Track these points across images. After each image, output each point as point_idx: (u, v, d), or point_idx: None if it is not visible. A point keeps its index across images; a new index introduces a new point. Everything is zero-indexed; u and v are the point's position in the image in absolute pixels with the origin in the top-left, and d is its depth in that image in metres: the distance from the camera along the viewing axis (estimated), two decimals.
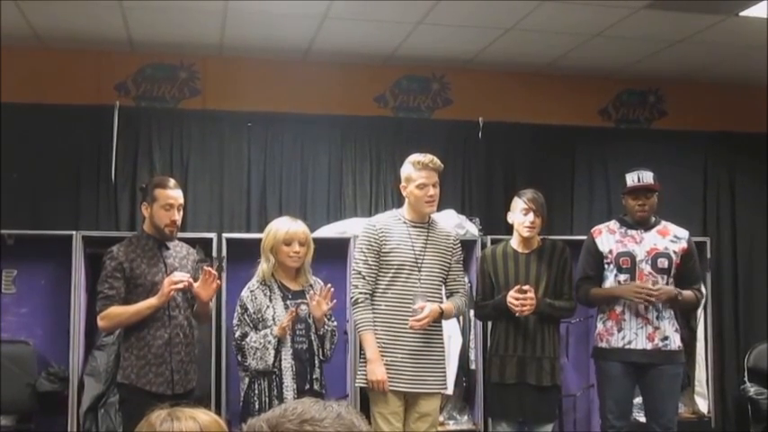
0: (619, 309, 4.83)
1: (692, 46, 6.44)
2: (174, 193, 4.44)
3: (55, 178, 6.35)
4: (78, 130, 6.42)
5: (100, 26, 6.03)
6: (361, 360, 4.53)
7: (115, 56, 6.56)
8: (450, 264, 4.62)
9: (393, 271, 4.48)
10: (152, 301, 4.27)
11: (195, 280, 4.52)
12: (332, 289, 4.46)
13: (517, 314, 4.60)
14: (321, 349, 4.46)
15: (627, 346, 4.79)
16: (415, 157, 4.56)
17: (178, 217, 4.44)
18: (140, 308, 4.27)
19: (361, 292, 4.47)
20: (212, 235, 6.00)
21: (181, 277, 4.29)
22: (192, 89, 6.74)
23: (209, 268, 4.43)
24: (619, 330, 4.82)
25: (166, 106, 6.68)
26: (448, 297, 4.64)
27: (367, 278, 4.48)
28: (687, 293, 4.88)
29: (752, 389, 6.72)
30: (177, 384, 4.35)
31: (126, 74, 6.62)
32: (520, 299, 4.59)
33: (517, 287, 4.63)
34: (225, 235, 6.03)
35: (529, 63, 6.97)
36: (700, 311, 6.32)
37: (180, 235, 4.63)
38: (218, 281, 4.50)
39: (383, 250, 4.49)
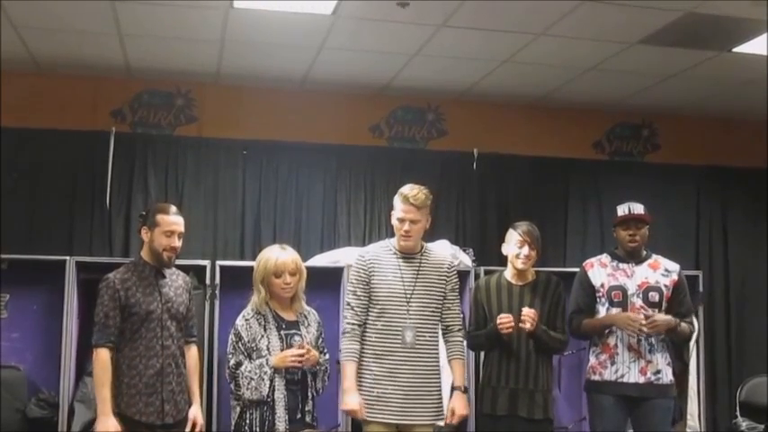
0: (612, 342, 4.82)
1: (686, 81, 6.50)
2: (176, 220, 4.43)
3: (49, 203, 6.35)
4: (74, 156, 6.44)
5: (97, 52, 6.07)
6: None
7: (112, 82, 6.60)
8: (444, 292, 4.60)
9: (381, 303, 4.47)
10: (102, 418, 4.19)
11: (189, 310, 4.56)
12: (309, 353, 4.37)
13: (511, 331, 4.59)
14: (313, 383, 4.44)
15: (620, 380, 4.79)
16: (404, 188, 4.55)
17: (178, 244, 4.44)
18: (101, 399, 4.21)
19: (348, 323, 4.48)
20: (206, 262, 5.99)
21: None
22: (188, 116, 6.77)
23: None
24: (612, 364, 4.81)
25: (162, 133, 6.70)
26: (444, 332, 4.61)
27: (356, 309, 4.47)
28: (682, 324, 4.89)
29: (744, 423, 6.71)
30: (167, 414, 4.32)
31: (122, 100, 6.65)
32: (510, 319, 4.60)
33: (509, 315, 4.63)
34: (219, 262, 6.02)
35: (524, 95, 7.02)
36: (692, 345, 6.33)
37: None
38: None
39: (372, 282, 4.49)
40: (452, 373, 4.61)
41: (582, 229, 7.26)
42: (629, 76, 6.46)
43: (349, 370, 4.42)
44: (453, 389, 4.56)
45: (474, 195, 7.09)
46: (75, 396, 5.66)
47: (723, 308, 7.36)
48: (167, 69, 6.45)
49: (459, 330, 4.63)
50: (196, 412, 4.49)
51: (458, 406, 4.50)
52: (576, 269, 5.28)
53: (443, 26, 5.48)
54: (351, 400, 4.38)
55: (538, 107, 7.25)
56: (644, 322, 4.69)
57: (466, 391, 4.60)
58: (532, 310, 4.64)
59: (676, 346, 5.28)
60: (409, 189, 4.52)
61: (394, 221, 4.55)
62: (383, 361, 4.42)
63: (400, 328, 4.43)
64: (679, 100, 7.07)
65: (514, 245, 4.80)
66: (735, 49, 5.80)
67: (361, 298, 4.48)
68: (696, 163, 7.49)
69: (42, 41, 5.87)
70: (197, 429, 4.45)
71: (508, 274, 4.89)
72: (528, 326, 4.60)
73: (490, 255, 6.45)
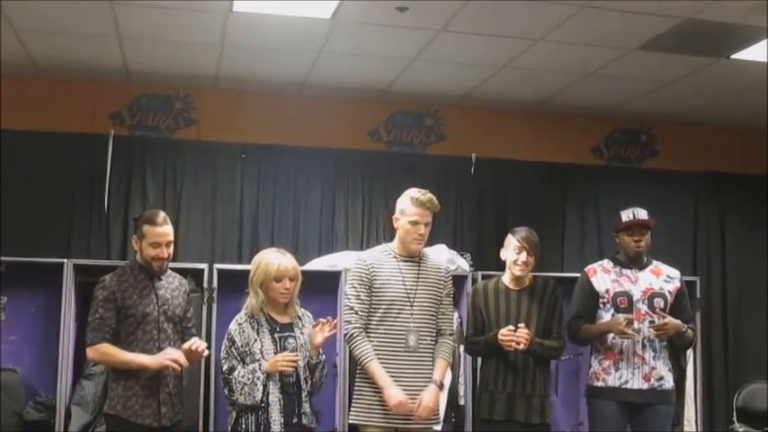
0: (616, 348, 4.81)
1: (684, 87, 6.51)
2: (163, 230, 4.39)
3: (48, 206, 6.35)
4: (72, 158, 6.44)
5: (97, 55, 6.07)
6: (356, 396, 4.48)
7: (111, 85, 6.60)
8: (442, 297, 4.61)
9: (384, 306, 4.44)
10: (146, 361, 4.23)
11: (187, 311, 4.54)
12: (335, 321, 4.45)
13: (512, 347, 4.58)
14: (310, 380, 4.42)
15: (623, 386, 4.77)
16: (414, 192, 4.51)
17: (167, 253, 4.40)
18: (132, 360, 4.23)
19: (355, 327, 4.43)
20: (204, 266, 5.99)
21: (182, 360, 4.27)
22: (186, 119, 6.77)
23: (196, 346, 4.37)
24: (616, 370, 4.80)
25: (161, 136, 6.70)
26: (435, 335, 4.61)
27: (360, 313, 4.44)
28: (688, 330, 4.89)
29: (741, 429, 6.71)
30: (164, 417, 4.31)
31: (121, 103, 6.65)
32: (512, 335, 4.58)
33: (510, 327, 4.62)
34: (216, 266, 6.02)
35: (522, 100, 7.03)
36: (689, 350, 6.32)
37: (171, 265, 4.59)
38: (204, 354, 4.46)
39: (374, 286, 4.46)
40: (435, 368, 4.52)
41: (580, 234, 7.26)
42: (628, 81, 6.47)
43: (376, 367, 4.34)
44: (431, 381, 4.48)
45: (472, 200, 7.10)
46: (72, 399, 5.64)
47: (720, 313, 7.37)
48: (166, 72, 6.45)
49: (450, 335, 4.62)
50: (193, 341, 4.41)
51: (426, 397, 4.37)
52: (574, 274, 5.28)
53: (442, 31, 5.49)
54: (395, 392, 4.28)
55: (536, 112, 7.26)
56: (635, 326, 4.69)
57: (442, 387, 4.56)
58: (525, 331, 4.60)
59: (674, 351, 5.27)
60: (421, 193, 4.48)
61: (403, 225, 4.49)
62: (385, 365, 4.39)
63: (404, 332, 4.42)
64: (678, 106, 7.08)
65: (513, 250, 4.79)
66: (733, 56, 5.81)
67: (365, 301, 4.45)
68: (694, 169, 7.51)
69: (41, 44, 5.87)
70: (195, 347, 4.34)
71: (506, 278, 4.89)
72: (521, 347, 4.60)
73: (488, 259, 6.45)
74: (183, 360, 4.28)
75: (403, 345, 4.40)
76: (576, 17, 5.19)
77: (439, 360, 4.55)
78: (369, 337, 4.42)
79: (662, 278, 4.94)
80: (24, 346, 5.95)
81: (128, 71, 6.41)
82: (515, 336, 4.58)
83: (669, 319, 4.74)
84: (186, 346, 4.33)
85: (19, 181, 6.30)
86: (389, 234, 4.69)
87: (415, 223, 4.45)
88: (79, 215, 6.42)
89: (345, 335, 4.49)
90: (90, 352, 4.32)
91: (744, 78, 6.23)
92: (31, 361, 5.93)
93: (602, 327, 4.86)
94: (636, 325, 4.71)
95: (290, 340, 4.38)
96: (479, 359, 5.15)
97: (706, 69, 6.10)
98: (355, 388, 4.51)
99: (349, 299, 4.50)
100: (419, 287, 4.50)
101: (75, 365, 5.74)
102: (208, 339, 5.66)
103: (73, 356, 5.69)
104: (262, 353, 4.30)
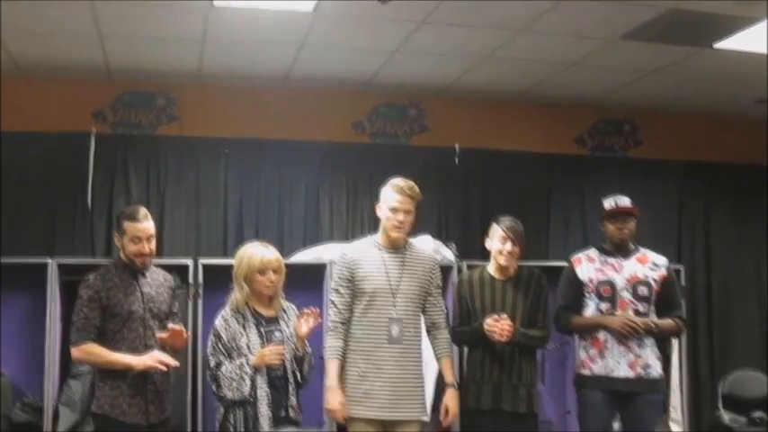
0: (602, 337, 4.81)
1: (667, 76, 6.52)
2: (143, 226, 4.36)
3: (31, 205, 6.31)
4: (55, 157, 6.40)
5: (78, 55, 6.04)
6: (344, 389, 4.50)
7: (93, 83, 6.56)
8: (429, 288, 4.61)
9: (367, 298, 4.46)
10: (131, 362, 4.21)
11: (172, 307, 4.52)
12: (319, 310, 4.46)
13: (495, 340, 4.60)
14: (300, 372, 4.43)
15: (610, 374, 4.78)
16: (395, 180, 4.54)
17: (148, 248, 4.38)
18: (118, 360, 4.21)
19: (332, 321, 4.47)
20: (189, 261, 5.98)
21: (168, 361, 4.26)
22: (169, 115, 6.74)
23: (177, 327, 4.35)
24: (601, 358, 4.80)
25: (143, 133, 6.67)
26: (430, 329, 4.62)
27: (339, 306, 4.47)
28: (665, 322, 4.88)
29: (727, 416, 6.76)
30: (152, 415, 4.29)
31: (104, 101, 6.62)
32: (497, 325, 4.59)
33: (494, 316, 4.63)
34: (201, 261, 6.01)
35: (505, 91, 7.03)
36: (674, 338, 6.34)
37: (156, 261, 4.58)
38: (186, 334, 4.45)
39: (356, 278, 4.47)
40: (443, 370, 4.62)
41: (564, 223, 7.28)
42: (611, 71, 6.48)
43: (332, 368, 4.41)
44: (446, 386, 4.57)
45: (456, 190, 7.10)
46: (59, 399, 5.63)
47: (705, 301, 7.40)
48: (148, 69, 6.42)
49: (445, 327, 4.64)
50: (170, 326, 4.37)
51: (452, 404, 4.53)
52: (559, 263, 5.29)
53: (424, 23, 5.48)
54: (334, 398, 4.35)
55: (519, 102, 7.26)
56: (640, 325, 4.69)
57: (457, 388, 4.62)
58: (508, 322, 4.62)
59: (660, 339, 5.29)
60: (403, 181, 4.52)
61: (384, 212, 4.51)
62: (369, 356, 4.41)
63: (386, 323, 4.43)
64: (661, 95, 7.09)
65: (498, 240, 4.79)
66: (716, 45, 5.82)
67: (345, 295, 4.48)
68: (678, 158, 7.53)
69: (22, 44, 5.83)
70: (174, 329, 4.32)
71: (491, 268, 4.89)
72: (504, 339, 4.61)
73: (473, 249, 6.44)
74: (170, 361, 4.26)
75: (386, 335, 4.42)
76: (558, 7, 5.19)
77: (444, 360, 4.62)
78: (354, 328, 4.45)
79: (647, 266, 4.93)
80: (10, 348, 5.90)
81: (109, 69, 6.37)
82: (498, 327, 4.60)
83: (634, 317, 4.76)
84: (163, 335, 4.30)
85: (1, 181, 6.25)
86: (374, 226, 4.69)
87: (394, 210, 4.47)
88: (63, 214, 6.39)
89: (326, 327, 4.51)
90: (75, 352, 4.29)
91: (727, 68, 6.25)
92: (18, 363, 5.89)
93: (598, 321, 4.83)
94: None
95: (277, 334, 4.39)
96: (465, 349, 5.16)
97: (689, 59, 6.11)
98: (342, 381, 4.51)
99: (331, 292, 4.54)
100: (403, 278, 4.51)
101: (62, 365, 5.70)
102: (194, 335, 5.66)
103: (59, 356, 5.66)
104: (248, 347, 4.30)
